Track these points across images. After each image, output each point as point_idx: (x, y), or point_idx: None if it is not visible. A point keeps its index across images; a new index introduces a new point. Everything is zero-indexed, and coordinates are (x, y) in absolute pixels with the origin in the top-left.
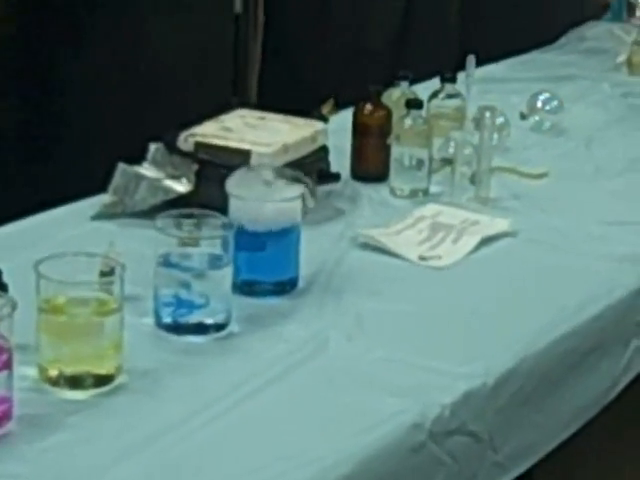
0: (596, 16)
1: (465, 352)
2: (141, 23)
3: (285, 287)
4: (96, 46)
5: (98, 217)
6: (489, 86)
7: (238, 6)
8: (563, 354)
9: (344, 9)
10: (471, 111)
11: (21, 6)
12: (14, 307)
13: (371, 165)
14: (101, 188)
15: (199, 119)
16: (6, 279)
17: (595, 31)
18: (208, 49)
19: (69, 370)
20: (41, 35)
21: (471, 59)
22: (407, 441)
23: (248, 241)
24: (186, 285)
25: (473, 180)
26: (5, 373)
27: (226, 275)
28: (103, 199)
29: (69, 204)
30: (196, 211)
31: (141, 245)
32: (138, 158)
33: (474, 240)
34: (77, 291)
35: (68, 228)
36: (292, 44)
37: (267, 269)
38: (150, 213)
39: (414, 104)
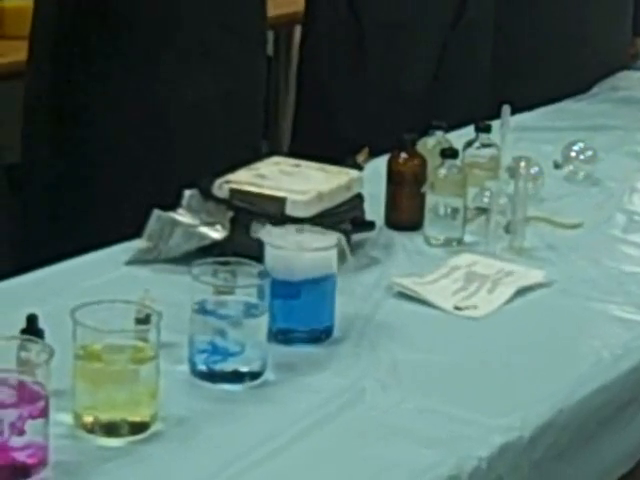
0: (626, 66)
1: (501, 404)
2: (172, 68)
3: (320, 336)
4: (128, 92)
5: (132, 262)
6: (522, 135)
7: (269, 49)
8: (599, 407)
9: (379, 56)
10: (505, 160)
11: (54, 55)
12: (51, 355)
13: (405, 214)
14: (135, 234)
15: (231, 165)
16: (41, 324)
17: (628, 80)
18: (240, 92)
19: (104, 417)
20: (74, 82)
21: (506, 109)
22: None
23: (283, 289)
24: (222, 333)
25: (508, 230)
26: (41, 420)
27: (262, 323)
28: (137, 244)
29: (103, 249)
30: (232, 259)
31: (175, 291)
32: (171, 205)
33: (509, 291)
34: (113, 338)
35: (102, 273)
36: (326, 90)
37: (302, 317)
38: (184, 259)
39: (449, 153)
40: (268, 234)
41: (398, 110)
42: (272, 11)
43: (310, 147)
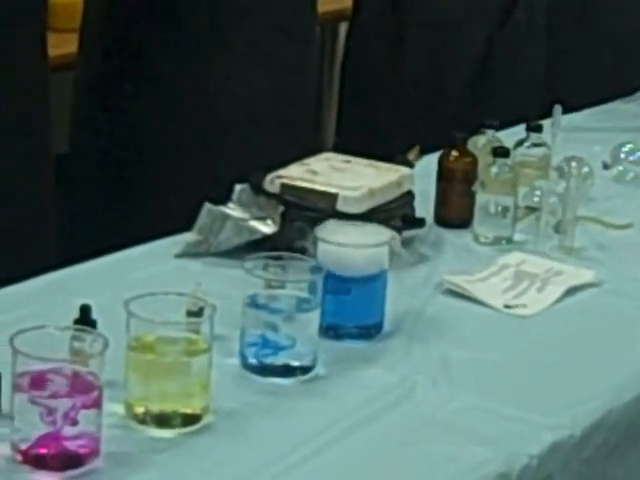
0: None
1: (551, 402)
2: (222, 64)
3: (370, 331)
4: (178, 87)
5: (182, 255)
6: (570, 135)
7: None
8: None
9: (418, 54)
10: (555, 160)
11: (105, 48)
12: (106, 345)
13: (455, 211)
14: (184, 228)
15: (282, 160)
16: (94, 315)
17: None
18: (290, 89)
19: (156, 408)
20: (124, 75)
21: (558, 109)
22: None
23: (334, 285)
24: (273, 327)
25: (557, 229)
26: (94, 410)
27: (313, 318)
28: (187, 237)
29: (153, 242)
30: (284, 254)
31: (225, 285)
32: (222, 199)
33: (559, 290)
34: (167, 330)
35: (153, 265)
36: (366, 86)
37: (353, 313)
38: (234, 253)
39: (501, 152)
40: (321, 229)
41: (438, 108)
42: (319, 7)
43: (353, 142)
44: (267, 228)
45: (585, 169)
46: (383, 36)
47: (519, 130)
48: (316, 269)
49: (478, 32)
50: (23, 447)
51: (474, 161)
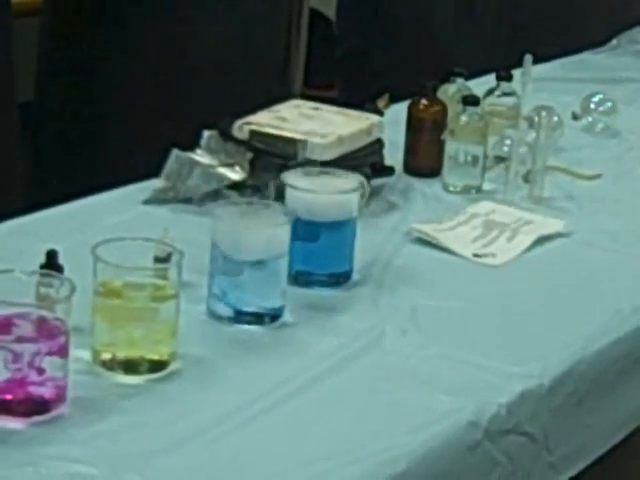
0: None
1: (520, 352)
2: (189, 10)
3: (339, 279)
4: (145, 33)
5: (150, 202)
6: (540, 85)
7: None
8: (617, 357)
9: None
10: (525, 110)
11: None
12: (73, 290)
13: (424, 160)
14: (150, 174)
15: (250, 107)
16: (61, 260)
17: None
18: (258, 35)
19: (123, 354)
20: (87, 23)
21: (528, 58)
22: (463, 439)
23: (303, 232)
24: (241, 274)
25: (527, 179)
26: (61, 356)
27: (282, 265)
28: (154, 184)
29: (120, 188)
30: (255, 200)
31: (193, 231)
32: (189, 145)
33: (529, 239)
34: (134, 276)
35: (120, 212)
36: (360, 27)
37: (321, 260)
38: (202, 200)
39: (471, 101)
40: (291, 175)
41: (424, 47)
42: None
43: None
44: (235, 175)
45: (555, 119)
46: None
47: (489, 79)
48: (286, 215)
49: None
50: None
51: (444, 109)
